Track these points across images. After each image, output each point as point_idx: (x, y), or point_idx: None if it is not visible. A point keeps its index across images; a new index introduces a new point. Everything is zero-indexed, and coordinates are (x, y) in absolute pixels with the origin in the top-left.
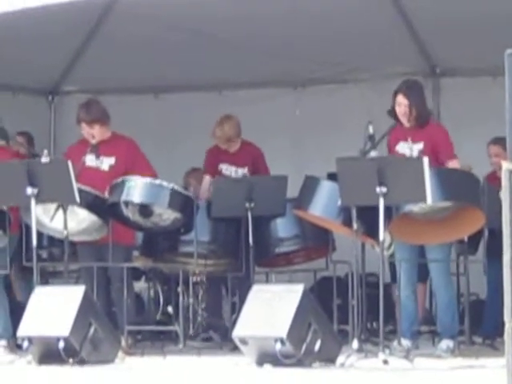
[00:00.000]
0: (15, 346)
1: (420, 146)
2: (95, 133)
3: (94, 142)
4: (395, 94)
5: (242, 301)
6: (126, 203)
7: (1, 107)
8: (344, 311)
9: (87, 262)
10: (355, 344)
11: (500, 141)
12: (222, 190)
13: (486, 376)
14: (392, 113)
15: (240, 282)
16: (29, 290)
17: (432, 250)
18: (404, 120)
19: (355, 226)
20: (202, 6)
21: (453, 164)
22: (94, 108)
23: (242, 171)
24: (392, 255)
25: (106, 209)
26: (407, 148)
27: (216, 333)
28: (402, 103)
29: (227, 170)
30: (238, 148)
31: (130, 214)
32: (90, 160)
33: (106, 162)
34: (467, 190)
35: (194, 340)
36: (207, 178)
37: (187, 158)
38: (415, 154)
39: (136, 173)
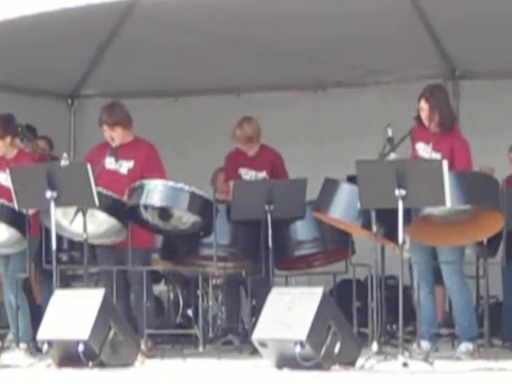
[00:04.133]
0: (35, 349)
1: (438, 155)
2: (116, 136)
3: (113, 145)
4: (419, 99)
5: (261, 304)
6: (146, 206)
7: (21, 111)
8: (363, 314)
9: (107, 265)
10: (375, 346)
11: None
12: (241, 192)
13: (506, 378)
14: (418, 119)
15: (259, 284)
16: (49, 294)
17: (443, 252)
18: (428, 125)
19: (375, 228)
20: (221, 9)
21: None
22: (116, 111)
23: (261, 175)
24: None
25: (125, 212)
26: (426, 152)
27: (235, 336)
28: (424, 108)
29: (247, 174)
30: (256, 152)
31: (149, 217)
32: (110, 163)
33: (125, 166)
34: (486, 192)
35: (214, 343)
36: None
37: (207, 160)
38: None
39: (149, 177)
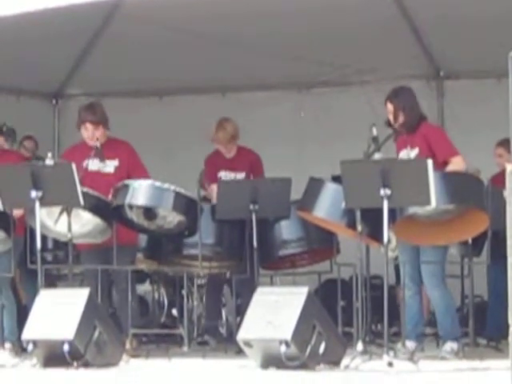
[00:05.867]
0: (20, 349)
1: (415, 151)
2: (99, 134)
3: (97, 144)
4: (385, 101)
5: (246, 303)
6: (131, 206)
7: (5, 110)
8: (348, 313)
9: (91, 264)
10: (360, 346)
11: (504, 142)
12: (226, 192)
13: (491, 378)
14: (388, 122)
15: (244, 284)
16: (34, 293)
17: (425, 252)
18: (395, 125)
19: (359, 228)
20: (206, 7)
21: (456, 160)
22: (98, 110)
23: (240, 176)
24: (397, 257)
25: (109, 211)
26: (407, 155)
27: (212, 337)
28: (389, 109)
29: (226, 176)
30: (234, 153)
31: (134, 216)
32: (93, 163)
33: (111, 165)
34: (471, 192)
35: (195, 344)
36: (214, 188)
37: (192, 160)
38: None
39: (135, 176)
